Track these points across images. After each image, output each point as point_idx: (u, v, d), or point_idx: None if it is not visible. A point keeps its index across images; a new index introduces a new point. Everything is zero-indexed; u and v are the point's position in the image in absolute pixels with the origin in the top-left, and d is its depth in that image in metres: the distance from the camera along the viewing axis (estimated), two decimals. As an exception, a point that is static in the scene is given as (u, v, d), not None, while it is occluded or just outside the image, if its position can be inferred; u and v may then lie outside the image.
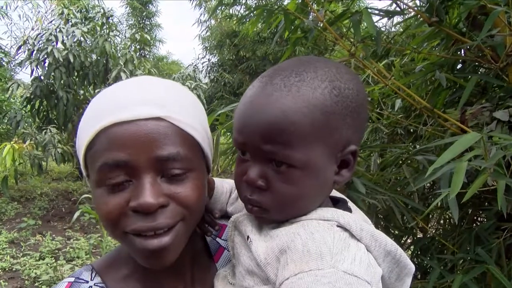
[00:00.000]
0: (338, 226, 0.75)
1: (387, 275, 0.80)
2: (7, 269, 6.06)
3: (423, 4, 1.96)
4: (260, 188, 0.78)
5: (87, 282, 0.90)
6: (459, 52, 2.02)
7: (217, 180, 1.07)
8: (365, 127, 0.84)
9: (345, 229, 0.75)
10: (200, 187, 0.84)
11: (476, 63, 1.94)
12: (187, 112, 0.83)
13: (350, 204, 0.89)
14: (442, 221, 2.38)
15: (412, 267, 0.83)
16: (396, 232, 2.33)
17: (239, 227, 0.88)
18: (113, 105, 0.78)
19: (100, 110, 0.79)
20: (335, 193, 0.94)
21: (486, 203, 1.95)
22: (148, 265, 0.82)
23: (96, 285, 0.90)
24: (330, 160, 0.77)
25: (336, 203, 0.88)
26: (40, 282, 5.57)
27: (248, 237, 0.82)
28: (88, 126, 0.80)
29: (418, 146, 2.20)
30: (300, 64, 0.78)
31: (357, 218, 0.78)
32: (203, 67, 15.01)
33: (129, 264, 0.93)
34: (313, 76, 0.75)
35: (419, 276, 2.31)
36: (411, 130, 2.40)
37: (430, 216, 2.34)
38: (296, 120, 0.72)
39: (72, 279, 0.91)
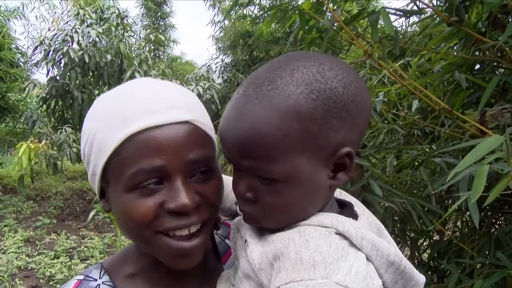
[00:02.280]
0: (337, 233, 0.72)
1: (391, 285, 0.77)
2: (22, 268, 6.15)
3: (441, 4, 1.92)
4: (249, 200, 0.77)
5: (96, 280, 0.93)
6: (476, 53, 1.98)
7: (226, 178, 1.04)
8: (363, 124, 0.77)
9: (345, 237, 0.72)
10: (222, 185, 0.89)
11: (495, 64, 1.90)
12: (204, 114, 0.87)
13: (359, 208, 0.86)
14: (459, 224, 2.33)
15: (420, 279, 0.80)
16: (412, 234, 2.29)
17: (240, 230, 0.87)
18: (141, 110, 0.78)
19: (125, 116, 0.79)
20: (345, 195, 0.91)
21: (506, 206, 1.90)
22: (176, 265, 0.84)
23: (104, 284, 0.92)
24: (319, 166, 0.73)
25: (343, 206, 0.85)
26: (55, 281, 5.63)
27: (246, 240, 0.81)
28: (112, 132, 0.79)
29: (434, 147, 2.16)
30: (277, 67, 0.73)
31: (359, 226, 0.74)
32: (216, 67, 15.00)
33: (137, 263, 0.95)
34: (288, 82, 0.69)
35: (435, 279, 2.28)
36: (428, 131, 2.36)
37: (447, 218, 2.30)
38: (268, 132, 0.68)
39: (82, 277, 0.94)
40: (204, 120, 0.85)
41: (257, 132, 0.69)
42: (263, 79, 0.72)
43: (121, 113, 0.79)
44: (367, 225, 0.80)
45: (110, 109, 0.82)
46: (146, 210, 0.78)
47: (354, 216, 0.80)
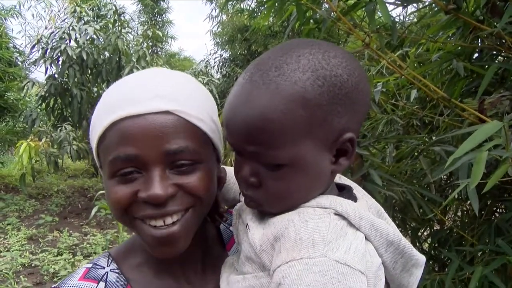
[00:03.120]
0: (335, 214, 0.73)
1: (391, 265, 0.79)
2: (26, 265, 6.18)
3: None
4: (253, 185, 0.78)
5: (104, 268, 0.94)
6: (475, 42, 1.97)
7: (229, 169, 1.06)
8: (364, 111, 0.79)
9: (343, 218, 0.73)
10: (209, 178, 0.86)
11: (494, 52, 1.89)
12: (195, 104, 0.84)
13: (359, 192, 0.88)
14: (459, 213, 2.34)
15: (420, 258, 0.82)
16: (413, 224, 2.30)
17: (242, 215, 0.89)
18: (124, 99, 0.80)
19: (111, 104, 0.82)
20: (345, 180, 0.92)
21: (506, 194, 1.91)
22: (158, 254, 0.84)
23: (112, 271, 0.94)
24: (323, 152, 0.75)
25: (342, 190, 0.86)
26: (59, 278, 5.65)
27: (247, 224, 0.83)
28: (100, 119, 0.82)
29: (434, 137, 2.16)
30: (283, 53, 0.73)
31: (357, 207, 0.76)
32: (215, 62, 14.95)
33: (143, 252, 0.96)
34: (294, 68, 0.70)
35: (436, 268, 2.28)
36: (427, 121, 2.36)
37: (448, 207, 2.31)
38: (275, 118, 0.69)
39: (90, 265, 0.95)
40: (192, 111, 0.82)
41: (264, 118, 0.69)
42: (270, 65, 0.72)
43: (109, 103, 0.83)
44: (366, 207, 0.81)
45: (104, 98, 0.86)
46: (121, 197, 0.80)
47: (353, 198, 0.82)
